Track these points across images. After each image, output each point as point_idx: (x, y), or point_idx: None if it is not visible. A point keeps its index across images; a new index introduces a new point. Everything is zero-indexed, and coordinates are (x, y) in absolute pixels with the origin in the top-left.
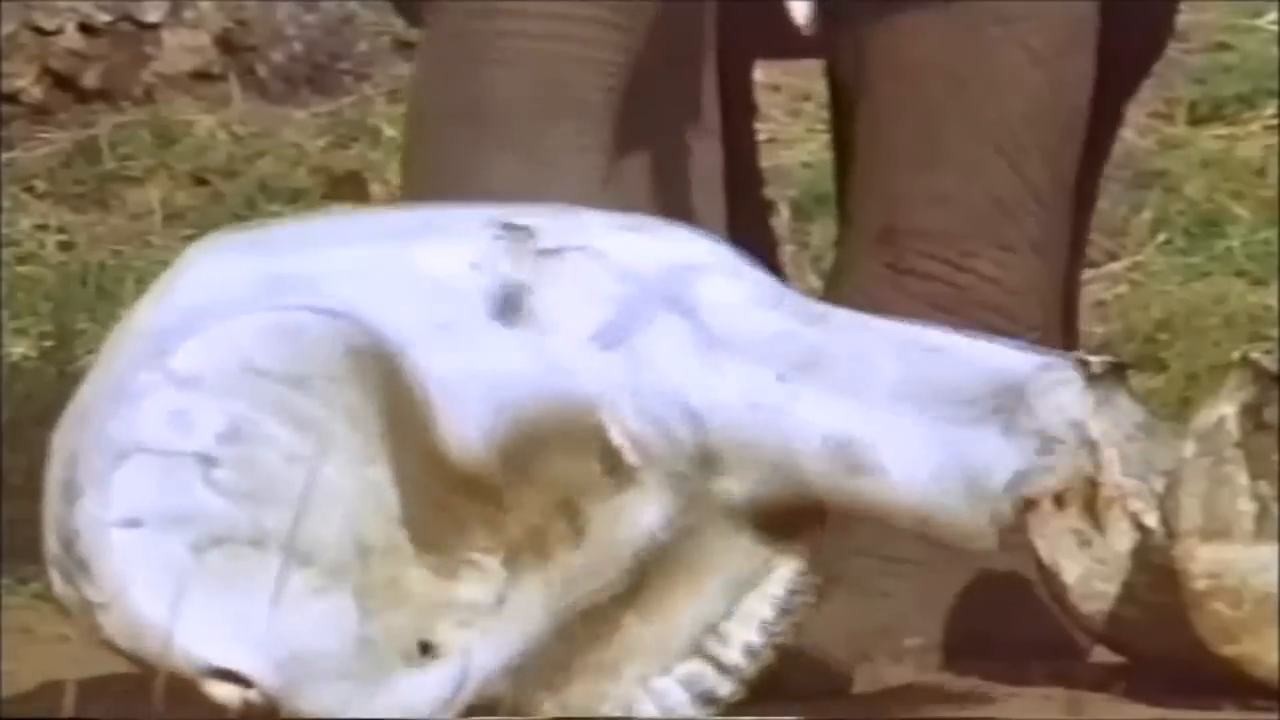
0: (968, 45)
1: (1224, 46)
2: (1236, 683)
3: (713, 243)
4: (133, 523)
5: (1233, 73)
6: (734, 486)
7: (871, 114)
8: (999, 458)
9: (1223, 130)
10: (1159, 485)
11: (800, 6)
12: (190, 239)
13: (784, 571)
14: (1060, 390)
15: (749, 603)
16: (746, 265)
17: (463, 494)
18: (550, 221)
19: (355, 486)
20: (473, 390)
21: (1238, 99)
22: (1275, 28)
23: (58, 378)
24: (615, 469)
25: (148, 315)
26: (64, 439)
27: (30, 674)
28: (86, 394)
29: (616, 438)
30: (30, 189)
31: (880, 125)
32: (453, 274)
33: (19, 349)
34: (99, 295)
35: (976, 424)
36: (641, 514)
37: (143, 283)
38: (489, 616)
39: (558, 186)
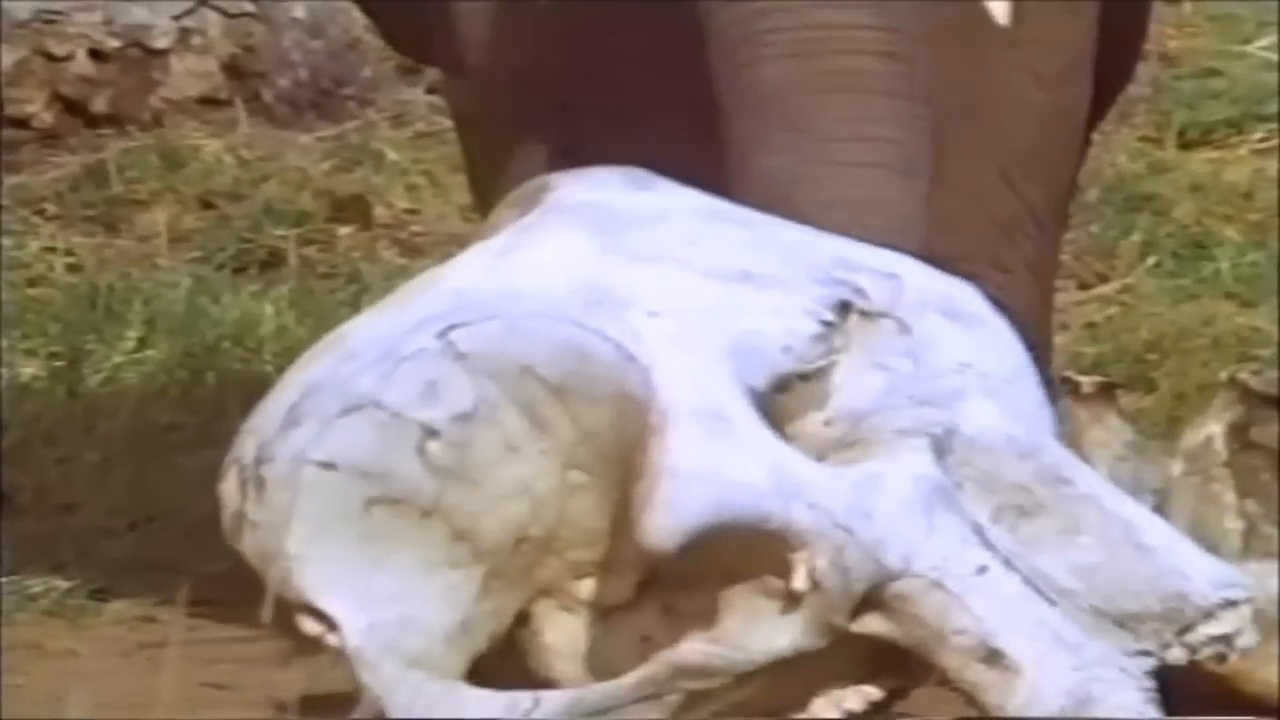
0: (976, 68)
1: (1213, 72)
2: (1228, 699)
3: (1011, 338)
4: (329, 465)
5: (1221, 98)
6: (870, 627)
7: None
8: (1123, 711)
9: (1211, 154)
10: (1149, 503)
11: (1000, 6)
12: (197, 261)
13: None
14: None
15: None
16: (1027, 378)
17: (630, 551)
18: (877, 281)
19: (548, 484)
20: (697, 491)
21: (1226, 124)
22: (1264, 54)
23: (67, 397)
24: (780, 590)
25: (463, 276)
26: (312, 365)
27: (39, 689)
28: (359, 330)
29: (800, 579)
30: (40, 212)
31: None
32: (753, 348)
33: (29, 369)
34: (107, 317)
35: (1133, 654)
36: (780, 635)
37: (150, 304)
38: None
39: (838, 174)
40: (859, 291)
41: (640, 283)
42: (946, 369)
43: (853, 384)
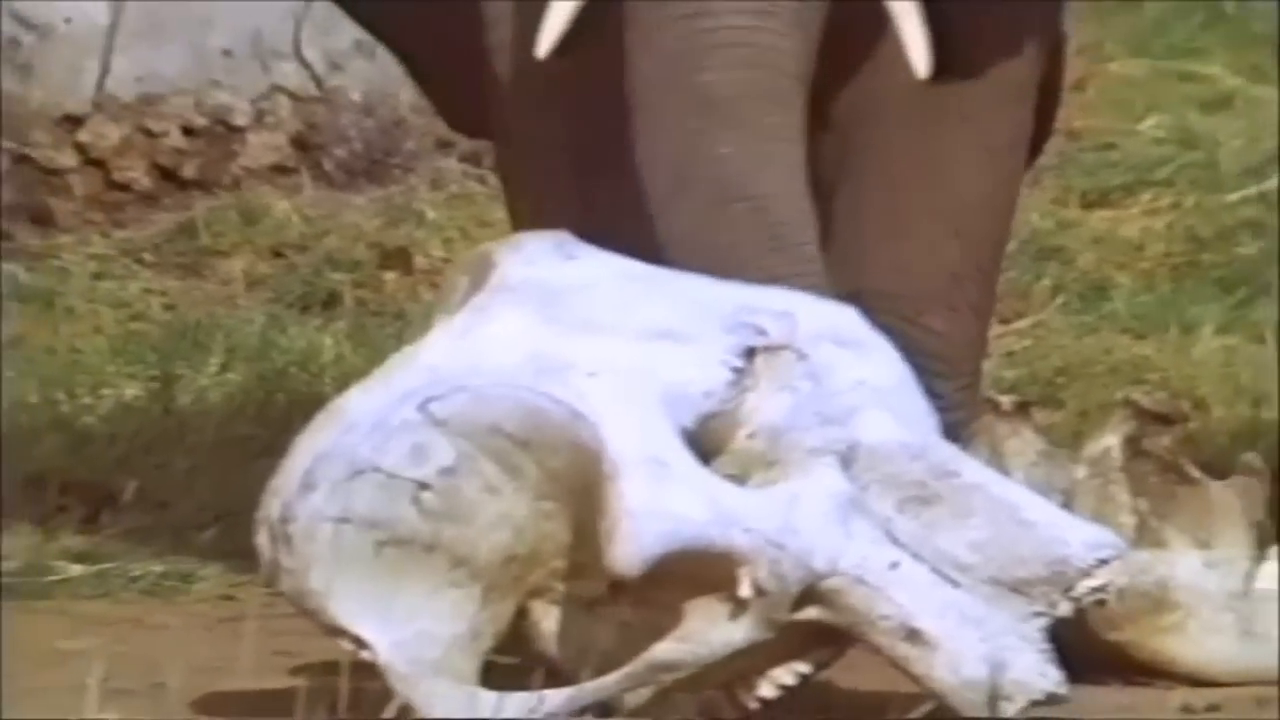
0: (931, 143)
1: (1110, 146)
2: (1120, 664)
3: (892, 360)
4: (343, 520)
5: (1117, 167)
6: (810, 615)
7: (851, 195)
8: (1032, 675)
9: (1108, 214)
10: (1058, 501)
11: (920, 59)
12: (269, 301)
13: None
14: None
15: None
16: (910, 388)
17: (600, 571)
18: (775, 321)
19: (525, 514)
20: (652, 526)
21: (1121, 188)
22: (1152, 132)
23: (162, 414)
24: (730, 597)
25: (434, 355)
26: (318, 436)
27: (139, 656)
28: (353, 404)
29: (745, 589)
30: (140, 260)
31: (857, 204)
32: (679, 396)
33: (131, 390)
34: (195, 347)
35: (1030, 616)
36: (735, 632)
37: (230, 337)
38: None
39: (772, 167)
40: (761, 331)
41: (579, 348)
42: (843, 387)
43: (766, 404)
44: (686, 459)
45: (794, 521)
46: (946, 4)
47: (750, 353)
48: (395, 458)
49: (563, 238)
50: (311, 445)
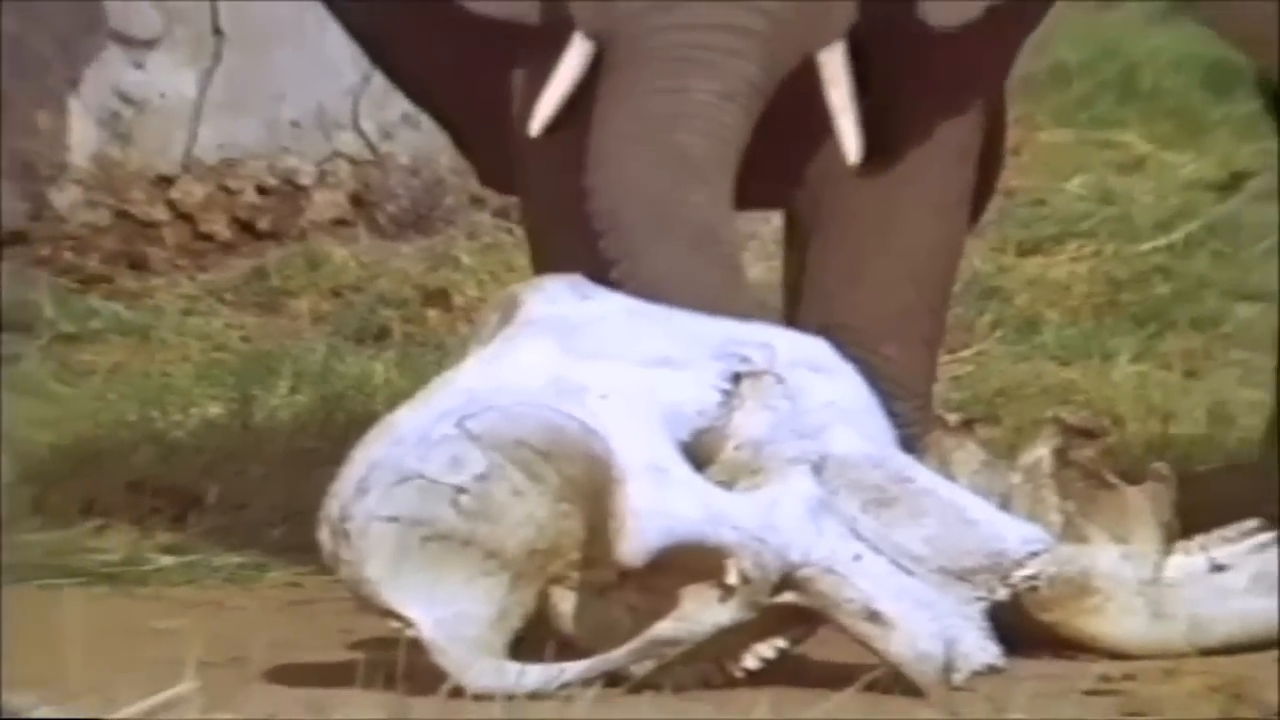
0: (888, 200)
1: (1040, 202)
2: (1049, 640)
3: (857, 384)
4: (392, 519)
5: (1047, 220)
6: (787, 599)
7: (820, 244)
8: (975, 651)
9: (1040, 260)
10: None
11: (851, 147)
12: (330, 334)
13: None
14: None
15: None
16: (872, 407)
17: (610, 562)
18: (758, 350)
19: (546, 514)
20: (654, 524)
21: (1051, 239)
22: (1077, 190)
23: (240, 429)
24: (720, 584)
25: (470, 379)
26: (371, 448)
27: (222, 634)
28: (401, 421)
29: (732, 577)
30: (221, 299)
31: (825, 252)
32: (676, 414)
33: (214, 409)
34: (267, 373)
35: (973, 600)
36: (723, 613)
37: (297, 364)
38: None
39: (730, 220)
40: (745, 359)
41: (591, 373)
42: (815, 407)
43: (750, 421)
44: (682, 467)
45: (773, 520)
46: (899, 80)
47: (736, 377)
48: (436, 466)
49: (577, 280)
50: (365, 455)
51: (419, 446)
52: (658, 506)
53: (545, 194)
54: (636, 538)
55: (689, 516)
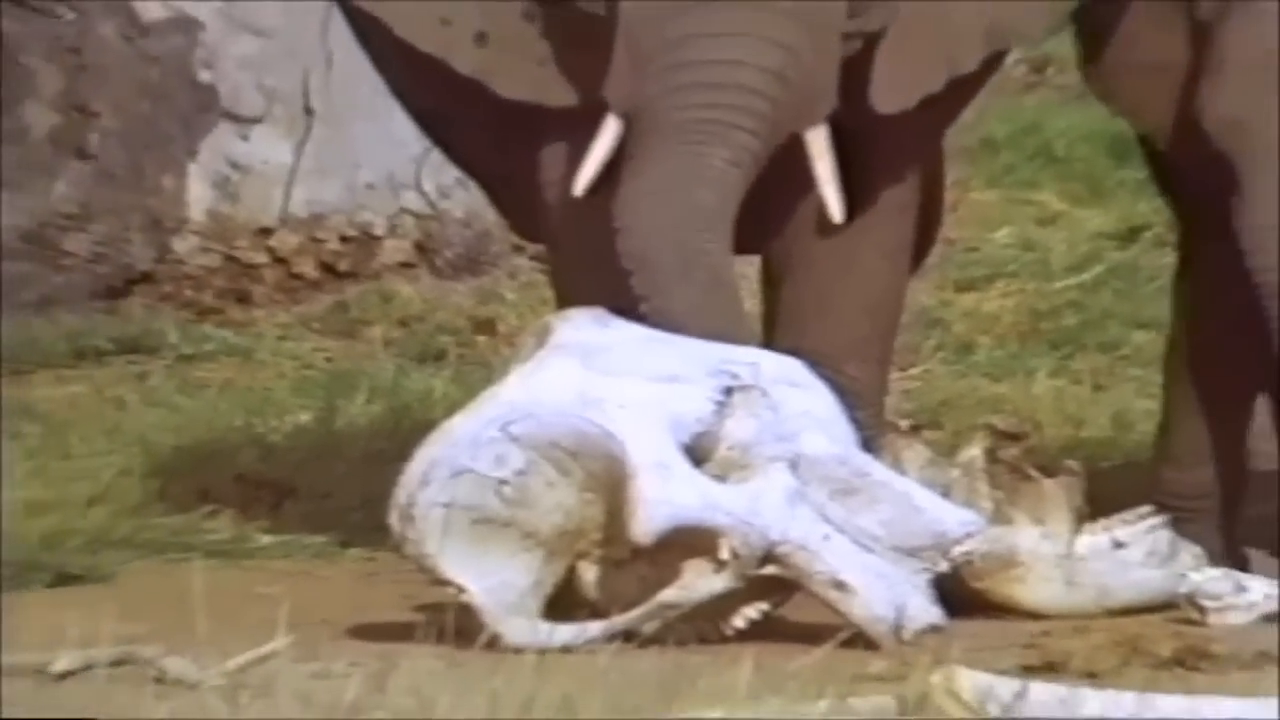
0: (846, 248)
1: (974, 249)
2: (982, 604)
3: (828, 398)
4: (448, 506)
5: (980, 264)
6: (769, 570)
7: (793, 284)
8: (921, 613)
9: (974, 296)
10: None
11: (835, 208)
12: (399, 356)
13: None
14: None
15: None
16: (837, 416)
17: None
18: (746, 368)
19: (574, 502)
20: (660, 512)
21: (983, 278)
22: (1003, 239)
23: (325, 434)
24: (714, 559)
25: (512, 393)
26: (431, 448)
27: (311, 600)
28: (455, 426)
29: (724, 553)
30: (310, 327)
31: (798, 290)
32: (679, 422)
33: (304, 417)
34: (347, 388)
35: (920, 572)
36: (717, 583)
37: (371, 380)
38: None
39: (732, 267)
40: (736, 376)
41: (610, 388)
42: (792, 415)
43: (739, 427)
44: (683, 464)
45: (758, 507)
46: (855, 151)
47: (728, 391)
48: (484, 463)
49: (598, 312)
50: (427, 454)
51: (470, 447)
52: (663, 496)
53: (570, 241)
54: (646, 521)
55: (689, 504)
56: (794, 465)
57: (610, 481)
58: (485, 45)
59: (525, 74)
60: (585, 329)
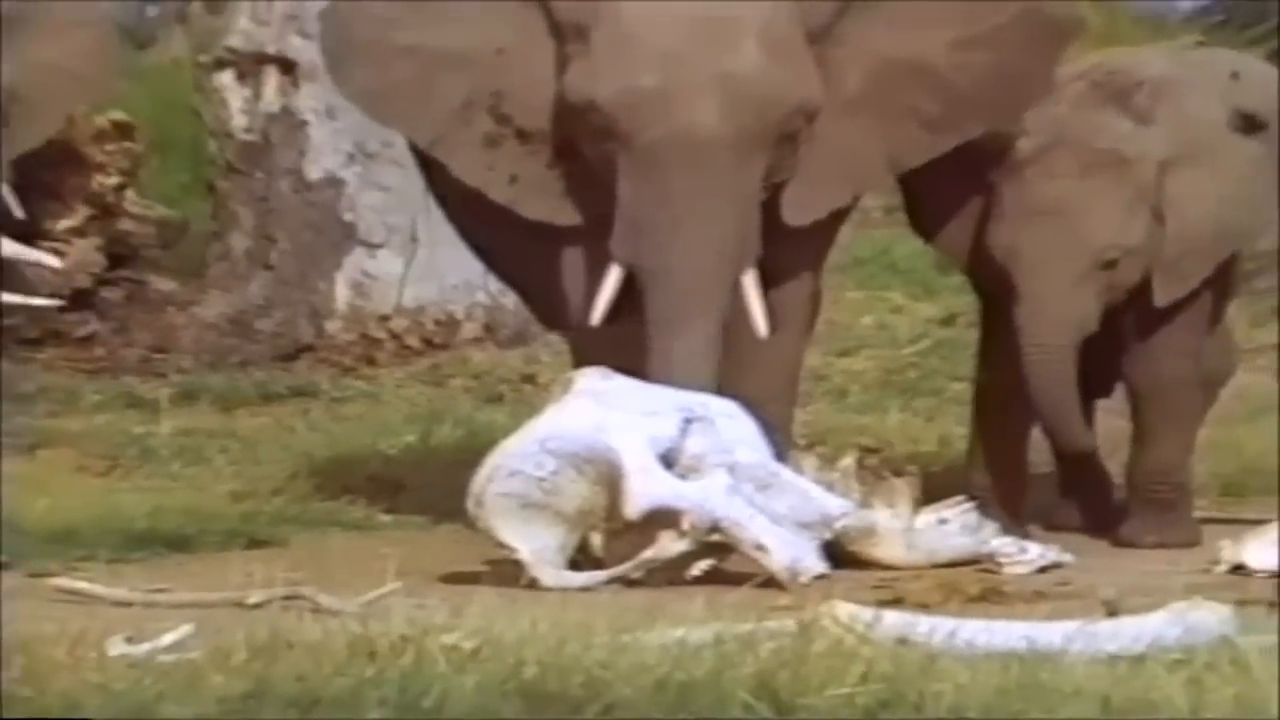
0: (780, 319)
1: (848, 328)
2: (853, 561)
3: (753, 426)
4: (506, 495)
5: (851, 339)
6: (714, 538)
7: (732, 351)
8: (813, 565)
9: (846, 359)
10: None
11: (761, 325)
12: (473, 399)
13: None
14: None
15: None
16: (759, 438)
17: (620, 518)
18: (700, 407)
19: (589, 493)
20: (644, 499)
21: (853, 348)
22: (861, 320)
23: (425, 450)
24: (679, 531)
25: (547, 422)
26: (494, 458)
27: (415, 560)
28: (511, 444)
29: (685, 527)
30: (415, 380)
31: (736, 355)
32: (657, 441)
33: (409, 438)
34: (439, 420)
35: (812, 539)
36: (680, 545)
37: (455, 414)
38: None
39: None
40: (694, 411)
41: (614, 420)
42: (730, 437)
43: (695, 444)
44: (659, 468)
45: (707, 496)
46: (769, 257)
47: (689, 421)
48: (529, 467)
49: (605, 370)
50: (491, 462)
51: (520, 457)
52: (646, 489)
53: (584, 331)
54: (634, 505)
55: (662, 494)
56: (731, 470)
57: (612, 479)
58: (516, 184)
59: (543, 202)
60: (595, 380)
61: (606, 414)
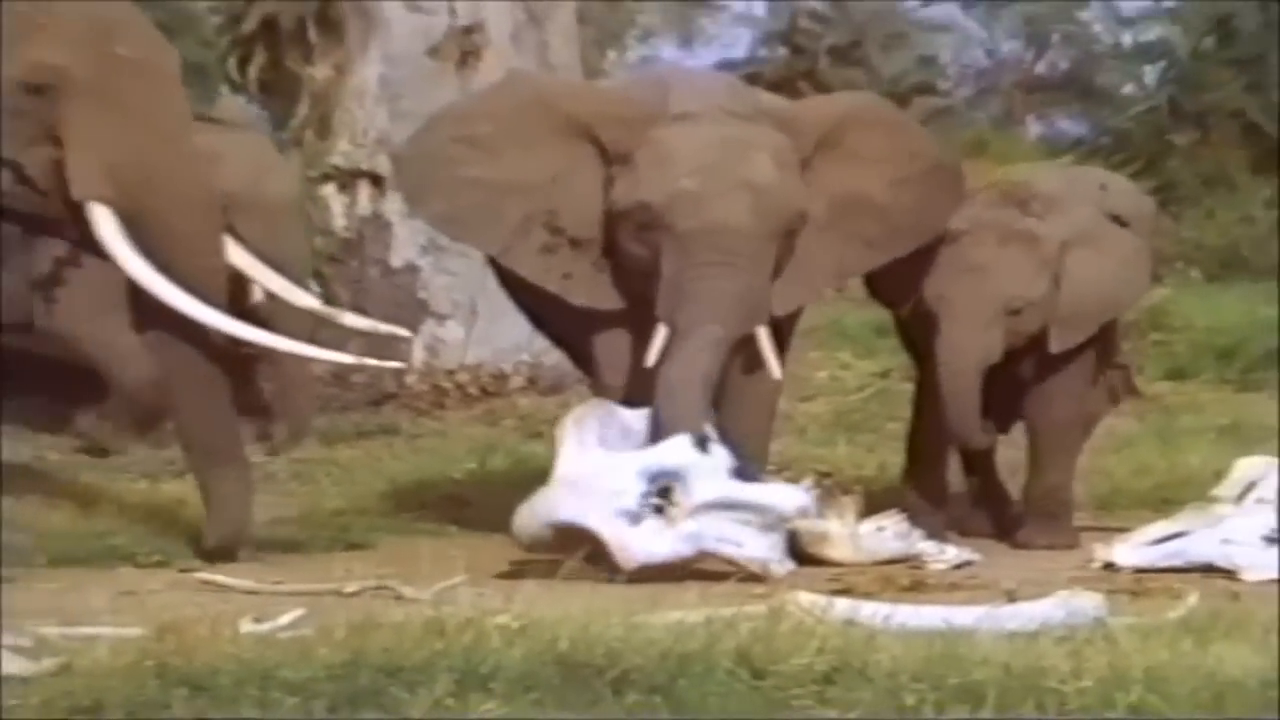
0: (754, 376)
1: (807, 380)
2: (811, 558)
3: (727, 455)
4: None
5: (811, 388)
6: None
7: (724, 394)
8: (781, 563)
9: (809, 404)
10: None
11: (774, 368)
12: (520, 434)
13: None
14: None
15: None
16: (741, 465)
17: None
18: (667, 460)
19: None
20: (624, 544)
21: (812, 395)
22: (823, 375)
23: (483, 474)
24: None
25: (565, 463)
26: (533, 494)
27: (479, 559)
28: (560, 468)
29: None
30: (476, 421)
31: (725, 397)
32: (647, 471)
33: (471, 465)
34: (490, 451)
35: (778, 537)
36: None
37: (507, 446)
38: None
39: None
40: (663, 467)
41: (615, 453)
42: (718, 464)
43: (689, 469)
44: (636, 535)
45: (680, 512)
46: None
47: (654, 479)
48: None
49: (610, 406)
50: (556, 478)
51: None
52: (623, 538)
53: (603, 385)
54: (612, 552)
55: (654, 551)
56: (704, 506)
57: None
58: (568, 279)
59: (590, 292)
60: (599, 417)
61: (612, 447)
